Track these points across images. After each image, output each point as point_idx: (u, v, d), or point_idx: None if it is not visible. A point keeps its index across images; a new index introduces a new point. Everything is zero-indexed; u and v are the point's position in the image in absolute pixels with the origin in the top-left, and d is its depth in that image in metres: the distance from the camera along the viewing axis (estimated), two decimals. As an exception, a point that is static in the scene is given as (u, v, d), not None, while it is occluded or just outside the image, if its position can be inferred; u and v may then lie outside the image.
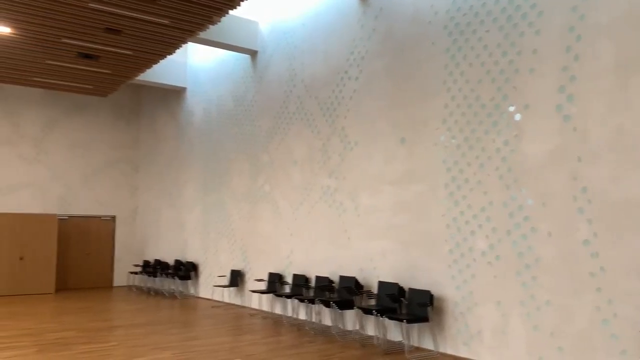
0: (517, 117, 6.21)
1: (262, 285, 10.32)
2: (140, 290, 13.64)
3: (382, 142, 7.95)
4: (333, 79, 8.99)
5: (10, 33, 8.72)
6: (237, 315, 9.74)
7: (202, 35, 10.26)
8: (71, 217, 14.16)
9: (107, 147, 14.85)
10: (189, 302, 11.49)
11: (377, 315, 7.19)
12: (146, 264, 14.17)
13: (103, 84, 11.66)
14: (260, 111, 10.77)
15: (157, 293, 12.94)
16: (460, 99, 6.88)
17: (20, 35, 8.81)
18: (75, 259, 14.20)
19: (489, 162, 6.48)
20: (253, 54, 11.06)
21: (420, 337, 7.12)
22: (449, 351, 6.70)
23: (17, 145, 13.58)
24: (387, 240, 7.74)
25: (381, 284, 7.64)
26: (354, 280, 8.10)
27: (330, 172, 8.92)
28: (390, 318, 6.85)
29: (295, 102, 9.82)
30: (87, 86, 11.85)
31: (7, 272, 12.49)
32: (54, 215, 13.21)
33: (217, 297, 11.70)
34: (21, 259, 12.67)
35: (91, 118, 14.63)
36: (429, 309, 6.86)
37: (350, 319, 8.24)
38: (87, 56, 9.75)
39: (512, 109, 6.27)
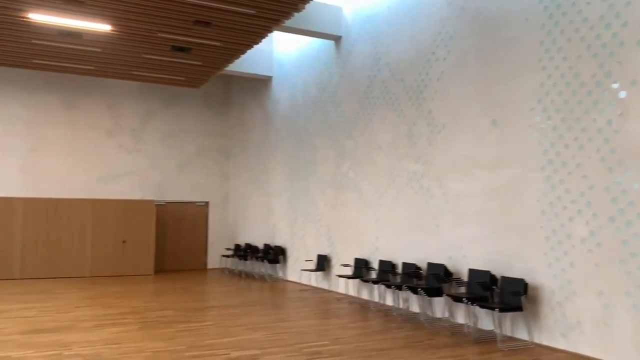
0: (622, 94, 5.74)
1: (349, 271, 10.38)
2: (232, 272, 14.21)
3: (472, 125, 7.68)
4: (419, 61, 8.78)
5: (111, 30, 9.29)
6: (324, 299, 9.88)
7: (287, 23, 10.39)
8: (168, 203, 14.99)
9: (200, 136, 15.52)
10: (277, 285, 11.82)
11: (467, 303, 7.01)
12: (237, 248, 14.73)
13: (195, 75, 12.16)
14: (344, 97, 10.77)
15: (248, 276, 13.42)
16: (557, 77, 6.47)
17: (120, 31, 9.37)
18: (172, 243, 15.04)
19: (590, 143, 6.05)
20: (337, 39, 11.05)
21: (513, 326, 6.85)
22: (545, 342, 6.40)
23: (118, 136, 14.54)
24: (477, 227, 7.49)
25: (472, 272, 7.42)
26: (442, 268, 7.94)
27: (416, 157, 8.75)
28: (482, 306, 6.64)
29: (380, 87, 9.70)
30: (180, 78, 12.41)
31: (111, 254, 13.48)
32: (152, 201, 14.04)
33: (304, 281, 11.94)
34: (124, 242, 13.61)
35: (184, 109, 15.34)
36: (522, 297, 6.57)
37: (439, 307, 8.09)
38: (180, 49, 10.20)
39: (616, 85, 5.81)
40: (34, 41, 9.93)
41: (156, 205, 14.20)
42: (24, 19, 8.80)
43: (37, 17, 8.63)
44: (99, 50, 10.42)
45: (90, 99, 14.26)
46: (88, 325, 7.24)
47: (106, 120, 14.40)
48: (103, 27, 9.04)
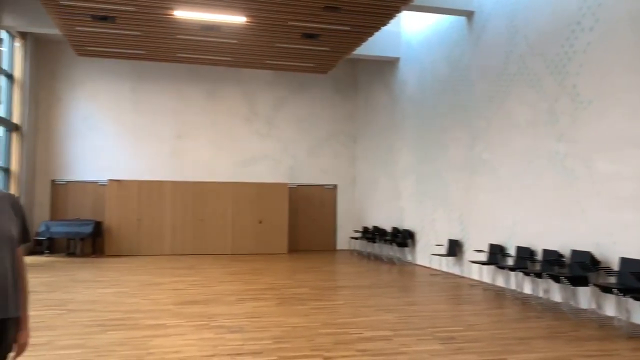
0: None
1: (482, 256, 10.00)
2: (360, 254, 14.41)
3: (625, 99, 6.93)
4: (562, 33, 8.10)
5: (246, 22, 9.77)
6: (456, 284, 9.64)
7: (416, 2, 10.14)
8: (299, 185, 15.55)
9: (328, 121, 15.83)
10: (406, 268, 11.76)
11: (619, 295, 6.41)
12: (365, 230, 14.88)
13: (323, 61, 12.38)
14: (477, 75, 10.30)
15: (376, 258, 13.52)
16: None
17: (254, 22, 9.81)
18: (303, 224, 15.60)
19: None
20: (469, 15, 10.56)
21: (675, 323, 6.14)
22: None
23: (253, 123, 15.33)
24: (631, 212, 6.79)
25: (624, 261, 6.76)
26: (588, 255, 7.33)
27: (558, 135, 8.12)
28: (636, 299, 6.03)
29: (517, 62, 9.12)
30: (309, 65, 12.72)
31: (249, 233, 14.34)
32: (285, 184, 14.65)
33: (434, 266, 11.74)
34: (260, 222, 14.40)
35: (313, 95, 15.73)
36: (687, 292, 5.85)
37: (584, 297, 7.50)
38: (309, 36, 10.44)
39: None
40: (178, 36, 10.76)
41: (289, 187, 14.80)
42: (170, 17, 9.56)
43: (182, 13, 9.32)
44: (235, 41, 11.02)
45: (228, 88, 15.18)
46: (231, 299, 7.79)
47: (243, 107, 15.25)
48: (239, 19, 9.52)
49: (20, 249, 2.59)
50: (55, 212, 14.12)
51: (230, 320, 6.43)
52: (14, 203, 2.55)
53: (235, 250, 14.22)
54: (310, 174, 15.68)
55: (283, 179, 15.30)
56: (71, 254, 13.50)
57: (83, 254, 13.54)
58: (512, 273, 9.04)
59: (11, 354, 2.55)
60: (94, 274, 10.25)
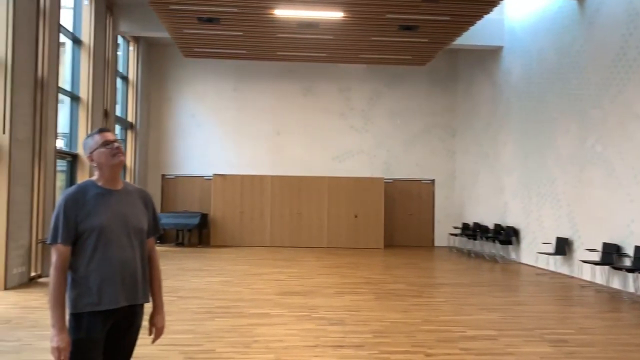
0: None
1: (595, 256, 9.32)
2: (459, 251, 14.00)
3: None
4: (691, 11, 7.31)
5: (343, 17, 9.80)
6: (565, 285, 9.07)
7: (521, -14, 9.63)
8: (395, 180, 15.39)
9: (425, 114, 15.51)
10: (510, 267, 11.25)
11: None
12: (465, 227, 14.43)
13: (421, 53, 12.13)
14: (590, 62, 9.59)
15: (477, 256, 13.06)
16: None
17: (350, 17, 9.81)
18: (400, 219, 15.43)
19: None
20: (580, -3, 9.86)
21: None
22: None
23: (348, 118, 15.38)
24: None
25: None
26: None
27: (686, 125, 7.35)
28: None
29: (638, 46, 8.37)
30: (406, 57, 12.52)
31: (344, 228, 14.43)
32: (381, 178, 14.56)
33: (541, 265, 11.12)
34: (355, 217, 14.43)
35: (409, 88, 15.48)
36: None
37: None
38: (407, 28, 10.26)
39: None
40: (278, 35, 11.02)
41: (384, 182, 14.69)
42: (271, 16, 9.82)
43: (282, 12, 9.54)
44: (331, 37, 11.09)
45: (323, 84, 15.35)
46: (329, 292, 7.88)
47: (338, 103, 15.35)
48: (336, 14, 9.58)
49: (152, 240, 2.76)
50: (165, 205, 15.07)
51: (330, 313, 6.51)
52: (145, 197, 2.71)
53: (331, 243, 14.38)
54: (406, 168, 15.45)
55: (378, 174, 15.21)
56: (180, 244, 14.35)
57: (190, 244, 14.34)
58: (631, 275, 8.34)
59: (151, 337, 2.74)
60: (201, 263, 10.82)
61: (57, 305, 2.40)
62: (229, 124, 15.21)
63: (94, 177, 2.59)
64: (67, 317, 2.46)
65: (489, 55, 13.63)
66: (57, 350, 2.36)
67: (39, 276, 8.61)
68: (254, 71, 15.21)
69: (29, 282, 8.27)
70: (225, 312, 6.45)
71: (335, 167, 15.25)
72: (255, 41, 11.53)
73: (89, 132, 10.68)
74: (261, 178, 14.52)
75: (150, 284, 2.71)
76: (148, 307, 2.69)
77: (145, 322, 2.69)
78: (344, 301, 7.24)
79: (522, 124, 11.94)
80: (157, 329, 2.73)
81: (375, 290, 8.17)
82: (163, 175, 15.13)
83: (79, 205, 2.46)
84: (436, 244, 15.45)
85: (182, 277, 9.04)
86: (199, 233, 14.45)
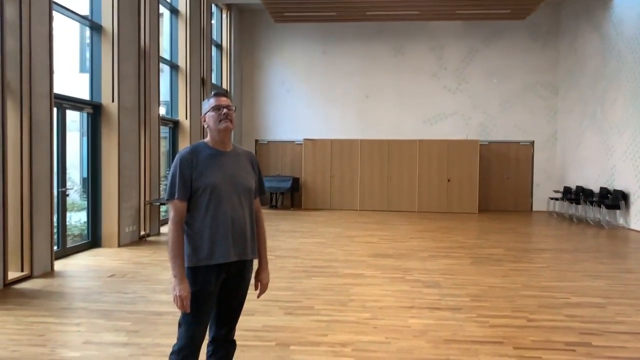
0: None
1: None
2: (560, 216, 13.29)
3: None
4: None
5: (437, -29, 9.35)
6: (683, 253, 8.35)
7: None
8: (491, 142, 14.77)
9: (524, 72, 14.63)
10: (617, 233, 10.53)
11: None
12: (567, 191, 13.63)
13: (521, 6, 11.38)
14: None
15: (580, 221, 12.33)
16: None
17: (446, -30, 9.35)
18: (495, 183, 14.86)
19: None
20: None
21: None
22: None
23: (441, 78, 14.86)
24: None
25: None
26: None
27: None
28: None
29: None
30: (504, 11, 11.81)
31: (437, 192, 14.14)
32: (476, 141, 14.03)
33: (653, 231, 10.30)
34: (449, 180, 14.08)
35: (507, 44, 14.62)
36: None
37: None
38: (506, -22, 9.62)
39: None
40: (368, -6, 10.77)
41: (480, 145, 14.14)
42: (361, -26, 9.58)
43: (372, -31, 9.27)
44: (425, -7, 10.67)
45: (415, 43, 14.88)
46: (423, 255, 7.81)
47: (430, 62, 14.86)
48: (430, -32, 9.16)
49: (258, 200, 2.86)
50: (264, 170, 15.51)
51: (425, 276, 6.45)
52: (252, 159, 2.82)
53: (422, 208, 14.17)
54: (503, 130, 14.75)
55: (473, 136, 14.65)
56: (273, 206, 14.80)
57: (283, 207, 14.74)
58: None
59: (257, 292, 2.87)
60: (294, 225, 11.10)
61: (177, 257, 2.55)
62: (318, 88, 15.24)
63: (206, 139, 2.73)
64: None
65: (598, 5, 12.49)
66: (180, 299, 2.52)
67: (148, 235, 9.26)
68: (342, 34, 15.05)
69: (139, 241, 8.92)
70: (320, 272, 6.59)
71: (427, 130, 14.88)
72: (345, 2, 11.35)
73: (188, 99, 11.17)
74: (351, 142, 14.51)
75: (258, 241, 2.82)
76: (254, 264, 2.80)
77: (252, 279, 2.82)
78: (439, 265, 7.14)
79: (636, 79, 10.91)
80: (262, 285, 2.86)
81: (470, 254, 7.98)
82: (256, 141, 15.56)
83: (193, 164, 2.60)
84: (534, 208, 14.75)
85: (278, 238, 9.34)
86: (291, 196, 14.79)
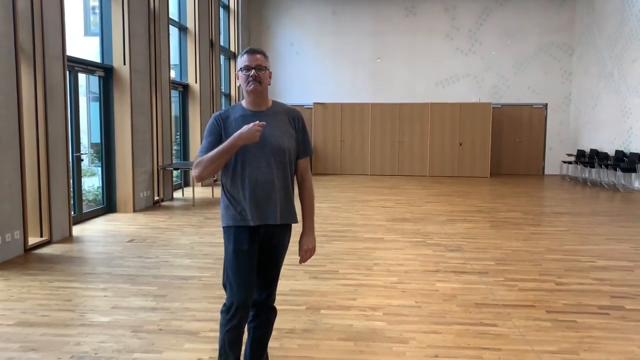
0: None
1: None
2: (574, 180, 13.18)
3: None
4: None
5: None
6: (703, 216, 8.27)
7: None
8: (504, 105, 14.54)
9: (539, 32, 14.28)
10: (634, 196, 10.43)
11: None
12: (580, 154, 13.48)
13: (540, -38, 10.97)
14: None
15: (594, 184, 12.23)
16: None
17: None
18: (508, 146, 14.70)
19: None
20: None
21: None
22: None
23: (454, 39, 14.53)
24: None
25: None
26: None
27: None
28: None
29: None
30: (522, -32, 11.39)
31: (449, 155, 14.01)
32: (489, 103, 13.81)
33: (670, 194, 10.21)
34: (460, 144, 13.93)
35: (522, 3, 14.23)
36: None
37: None
38: None
39: None
40: (382, -49, 10.38)
41: (492, 107, 13.92)
42: None
43: None
44: (441, -51, 10.28)
45: (427, 3, 14.49)
46: (441, 219, 7.75)
47: (443, 23, 14.50)
48: None
49: (305, 161, 2.71)
50: (268, 134, 15.36)
51: (446, 239, 6.40)
52: (294, 118, 2.65)
53: (434, 172, 14.07)
54: (516, 92, 14.50)
55: (486, 99, 14.41)
56: (283, 171, 14.70)
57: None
58: None
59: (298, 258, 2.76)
60: (307, 190, 11.02)
61: (209, 156, 2.44)
62: (328, 50, 14.94)
63: (243, 100, 2.64)
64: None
65: (619, -40, 12.08)
66: (245, 133, 2.39)
67: (162, 200, 9.21)
68: (353, -6, 14.65)
69: (153, 206, 8.87)
70: (340, 236, 6.55)
71: (439, 93, 14.64)
72: (358, -40, 10.97)
73: (197, 63, 10.94)
74: (361, 106, 14.30)
75: (302, 205, 2.72)
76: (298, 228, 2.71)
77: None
78: (458, 229, 7.08)
79: (657, 38, 10.62)
80: (302, 250, 2.74)
81: (488, 218, 7.91)
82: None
83: (224, 124, 2.56)
84: (547, 172, 14.64)
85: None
86: (301, 161, 14.68)
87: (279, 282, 4.52)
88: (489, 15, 14.34)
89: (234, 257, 2.55)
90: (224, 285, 2.61)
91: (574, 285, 4.63)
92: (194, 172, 2.48)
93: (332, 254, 5.67)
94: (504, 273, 4.98)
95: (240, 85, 2.57)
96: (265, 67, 2.54)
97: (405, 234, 6.68)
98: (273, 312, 2.76)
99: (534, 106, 14.54)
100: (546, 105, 14.49)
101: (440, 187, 11.64)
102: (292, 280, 4.68)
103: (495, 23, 14.34)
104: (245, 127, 2.40)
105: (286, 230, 2.68)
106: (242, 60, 2.54)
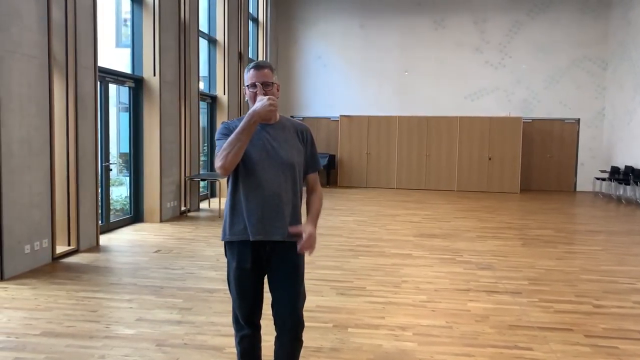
0: None
1: None
2: (607, 197, 12.80)
3: None
4: None
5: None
6: None
7: None
8: (534, 120, 14.26)
9: (571, 45, 13.99)
10: (671, 215, 10.06)
11: None
12: (614, 170, 13.10)
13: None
14: None
15: (629, 202, 11.85)
16: None
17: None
18: (538, 162, 14.38)
19: None
20: None
21: None
22: None
23: (484, 52, 14.34)
24: None
25: None
26: None
27: None
28: None
29: None
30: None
31: (477, 170, 13.76)
32: (519, 118, 13.56)
33: None
34: (489, 159, 13.68)
35: (555, 17, 13.98)
36: None
37: None
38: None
39: None
40: (412, -36, 10.33)
41: (522, 122, 13.65)
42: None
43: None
44: (472, -38, 10.18)
45: (456, 16, 14.36)
46: (471, 236, 7.56)
47: (472, 36, 14.34)
48: None
49: (315, 175, 2.62)
50: (294, 146, 15.34)
51: (476, 257, 6.22)
52: (302, 132, 2.56)
53: (462, 187, 13.83)
54: (547, 106, 14.20)
55: (516, 113, 14.15)
56: (308, 184, 14.64)
57: (318, 185, 14.55)
58: None
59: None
60: (332, 203, 10.94)
61: (229, 140, 2.32)
62: (355, 63, 14.90)
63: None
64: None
65: (656, -27, 11.78)
66: (260, 108, 2.31)
67: (188, 210, 9.23)
68: (380, 6, 14.61)
69: (180, 216, 8.89)
70: (367, 251, 6.43)
71: (468, 106, 14.44)
72: (387, -27, 10.93)
73: (226, 74, 11.00)
74: (388, 119, 14.19)
75: (308, 207, 2.58)
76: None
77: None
78: (488, 246, 6.89)
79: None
80: (305, 234, 2.40)
81: (520, 235, 7.69)
82: (291, 117, 15.36)
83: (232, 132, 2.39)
84: (578, 188, 14.26)
85: (317, 216, 9.18)
86: (327, 173, 14.61)
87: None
88: (519, 29, 14.13)
89: (237, 276, 2.47)
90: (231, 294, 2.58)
91: (614, 308, 4.42)
92: (217, 164, 2.33)
93: (358, 269, 5.55)
94: (538, 293, 4.80)
95: (247, 101, 2.48)
96: (272, 82, 2.44)
97: (434, 251, 6.53)
98: (299, 345, 2.56)
99: (566, 121, 14.22)
100: (578, 120, 14.16)
101: (468, 202, 11.42)
102: (318, 296, 4.59)
103: (526, 36, 14.12)
104: (259, 103, 2.30)
105: (293, 246, 2.45)
106: (249, 77, 2.44)
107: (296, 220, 2.49)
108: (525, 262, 5.99)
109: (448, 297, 4.65)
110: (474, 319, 4.10)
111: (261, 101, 2.31)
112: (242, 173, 2.41)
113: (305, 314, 4.07)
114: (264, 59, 14.18)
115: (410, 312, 4.23)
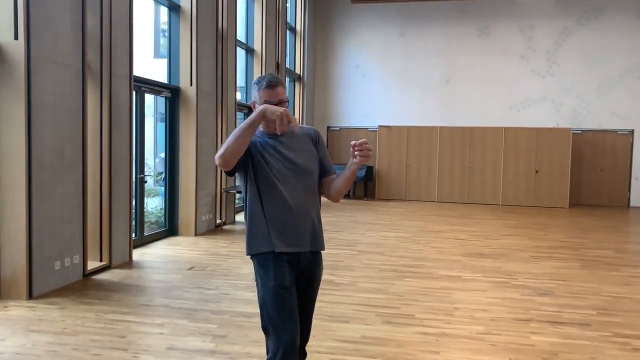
0: None
1: None
2: (666, 214, 11.97)
3: None
4: None
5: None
6: None
7: None
8: (584, 131, 13.52)
9: (624, 53, 13.23)
10: None
11: None
12: (673, 185, 12.25)
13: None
14: None
15: (691, 220, 11.02)
16: None
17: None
18: (589, 175, 13.62)
19: None
20: None
21: None
22: None
23: (530, 61, 13.72)
24: None
25: None
26: None
27: None
28: None
29: None
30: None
31: (524, 184, 13.10)
32: (568, 129, 12.88)
33: None
34: (537, 172, 13.02)
35: (607, 23, 13.26)
36: None
37: None
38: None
39: None
40: (457, -32, 9.91)
41: (572, 133, 12.95)
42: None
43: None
44: (521, -35, 9.68)
45: (502, 23, 13.81)
46: (524, 256, 7.02)
47: (518, 44, 13.74)
48: None
49: (332, 177, 2.61)
50: (330, 157, 14.99)
51: (533, 281, 5.70)
52: (313, 136, 2.54)
53: (507, 201, 13.18)
54: (599, 117, 13.44)
55: (565, 124, 13.45)
56: (346, 196, 14.27)
57: (355, 197, 14.16)
58: None
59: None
60: (371, 217, 10.52)
61: (233, 132, 2.25)
62: (395, 72, 14.49)
63: (260, 127, 2.45)
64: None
65: None
66: (272, 115, 2.21)
67: (224, 223, 8.97)
68: (422, 14, 14.18)
69: (215, 229, 8.63)
70: (412, 272, 5.99)
71: (513, 117, 13.80)
72: (431, -22, 10.54)
73: (264, 83, 10.73)
74: (429, 129, 13.70)
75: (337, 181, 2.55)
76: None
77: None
78: (545, 268, 6.35)
79: None
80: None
81: (577, 256, 7.10)
82: (328, 128, 15.04)
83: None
84: (632, 204, 13.42)
85: (356, 230, 8.80)
86: (364, 186, 14.19)
87: (346, 325, 4.06)
88: (568, 36, 13.47)
89: (275, 295, 2.31)
90: (264, 329, 2.35)
91: (702, 347, 3.87)
92: (217, 154, 2.26)
93: (405, 293, 5.12)
94: (610, 326, 4.28)
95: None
96: (285, 99, 2.38)
97: (486, 273, 6.04)
98: (304, 357, 2.56)
99: (619, 132, 13.44)
100: (632, 131, 13.36)
101: (516, 218, 10.81)
102: (363, 325, 4.19)
103: (575, 44, 13.44)
104: (274, 108, 2.22)
105: (318, 259, 2.50)
106: (262, 96, 2.34)
107: (318, 228, 2.47)
108: (589, 288, 5.45)
109: (507, 329, 4.18)
110: (541, 356, 3.63)
111: (276, 113, 2.20)
112: (262, 183, 2.36)
113: (350, 345, 3.70)
114: (301, 69, 13.93)
115: (467, 346, 3.79)
